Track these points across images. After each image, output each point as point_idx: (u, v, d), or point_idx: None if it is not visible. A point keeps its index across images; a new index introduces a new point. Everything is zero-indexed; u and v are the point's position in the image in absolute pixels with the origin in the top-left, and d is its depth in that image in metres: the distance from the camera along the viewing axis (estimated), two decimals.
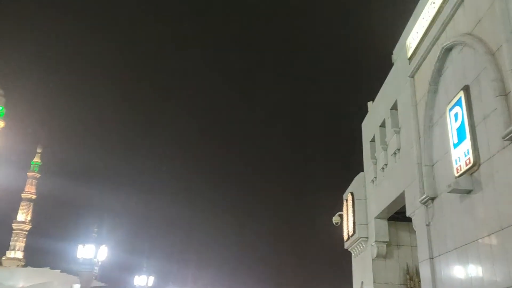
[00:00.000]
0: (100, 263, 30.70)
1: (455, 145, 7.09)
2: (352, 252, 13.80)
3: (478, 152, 6.49)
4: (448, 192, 7.09)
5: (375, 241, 11.76)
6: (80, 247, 30.33)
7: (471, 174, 6.68)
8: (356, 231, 12.62)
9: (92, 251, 30.09)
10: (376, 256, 11.76)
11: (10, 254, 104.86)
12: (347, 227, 13.45)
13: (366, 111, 13.18)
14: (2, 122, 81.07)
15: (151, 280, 39.41)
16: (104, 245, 31.01)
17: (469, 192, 6.75)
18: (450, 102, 7.38)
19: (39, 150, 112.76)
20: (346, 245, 13.90)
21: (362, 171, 13.25)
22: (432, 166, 8.20)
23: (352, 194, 13.17)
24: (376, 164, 11.94)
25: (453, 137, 7.18)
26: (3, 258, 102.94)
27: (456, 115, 7.13)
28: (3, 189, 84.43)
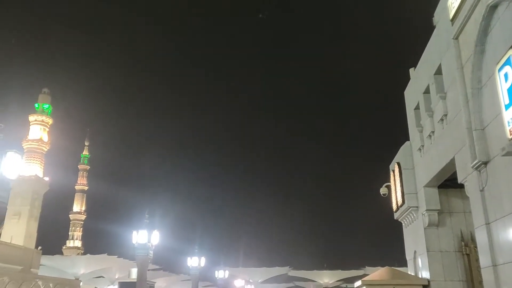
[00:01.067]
0: (154, 247, 32.02)
1: (507, 106, 6.83)
2: (402, 222, 13.68)
3: None
4: (502, 156, 6.88)
5: (426, 210, 11.59)
6: (134, 233, 31.67)
7: None
8: (406, 201, 12.48)
9: (146, 236, 31.38)
10: (428, 225, 11.61)
11: (70, 243, 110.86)
12: (396, 198, 13.31)
13: (409, 79, 12.85)
14: (50, 119, 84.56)
15: (203, 261, 40.75)
16: (156, 230, 32.24)
17: None
18: (499, 61, 7.07)
19: (86, 143, 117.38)
20: (396, 216, 13.78)
21: (408, 140, 13.00)
22: (483, 129, 7.95)
23: (398, 164, 12.98)
24: (422, 132, 11.68)
25: (504, 98, 6.91)
26: (64, 247, 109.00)
27: (506, 75, 6.84)
28: (58, 183, 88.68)
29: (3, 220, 74.34)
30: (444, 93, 9.84)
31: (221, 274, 57.82)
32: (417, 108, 12.04)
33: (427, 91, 11.01)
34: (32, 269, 65.33)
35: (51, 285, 63.24)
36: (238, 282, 79.05)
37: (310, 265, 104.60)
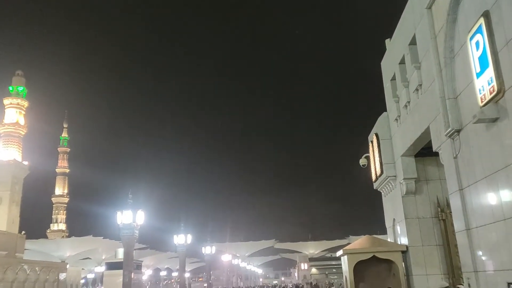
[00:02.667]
0: (139, 226, 32.07)
1: (478, 74, 6.96)
2: (382, 191, 13.98)
3: (502, 79, 6.37)
4: (474, 123, 7.05)
5: (404, 179, 11.86)
6: (118, 213, 31.63)
7: (496, 102, 6.60)
8: (384, 171, 12.73)
9: (130, 216, 31.37)
10: (406, 193, 11.90)
11: (54, 226, 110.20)
12: (375, 168, 13.56)
13: (385, 50, 12.92)
14: (26, 102, 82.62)
15: (189, 238, 41.04)
16: (140, 210, 32.25)
17: (495, 120, 6.69)
18: (470, 30, 7.17)
19: (65, 125, 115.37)
20: (375, 185, 14.07)
21: (385, 111, 13.17)
22: (456, 98, 8.10)
23: (376, 135, 13.17)
24: (398, 102, 11.83)
25: (475, 67, 7.04)
26: (48, 231, 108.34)
27: (477, 43, 6.95)
28: (38, 166, 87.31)
29: None
30: (418, 63, 9.95)
31: (208, 250, 58.42)
32: (393, 79, 12.16)
33: (402, 62, 11.10)
34: (16, 254, 64.93)
35: (37, 268, 63.12)
36: (226, 257, 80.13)
37: (296, 237, 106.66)
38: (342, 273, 13.75)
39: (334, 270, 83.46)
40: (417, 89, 10.19)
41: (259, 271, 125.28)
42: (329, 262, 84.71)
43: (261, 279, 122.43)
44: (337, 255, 13.64)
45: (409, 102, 10.96)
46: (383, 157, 12.77)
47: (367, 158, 14.34)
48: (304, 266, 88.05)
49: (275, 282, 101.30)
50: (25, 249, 68.48)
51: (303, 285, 49.47)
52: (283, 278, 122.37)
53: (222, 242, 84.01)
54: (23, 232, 71.03)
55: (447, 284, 10.61)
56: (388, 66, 12.66)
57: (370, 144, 13.86)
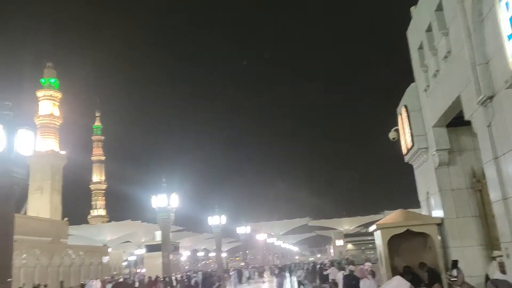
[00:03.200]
0: (174, 209, 32.73)
1: (510, 37, 6.62)
2: (413, 164, 13.69)
3: None
4: (506, 88, 6.75)
5: (436, 150, 11.55)
6: (153, 197, 32.37)
7: None
8: (415, 143, 12.42)
9: (165, 200, 32.05)
10: (439, 165, 11.60)
11: (94, 212, 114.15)
12: (405, 141, 13.26)
13: (410, 18, 12.45)
14: (58, 93, 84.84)
15: (223, 219, 41.65)
16: (174, 193, 32.87)
17: None
18: None
19: (97, 114, 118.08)
20: (406, 159, 13.78)
21: (413, 81, 12.78)
22: (487, 63, 7.75)
23: (405, 106, 12.83)
24: (427, 72, 11.44)
25: (506, 29, 6.69)
26: (89, 217, 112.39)
27: (507, 4, 6.58)
28: (74, 156, 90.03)
29: (26, 196, 76.53)
30: (446, 30, 9.55)
31: (242, 230, 59.22)
32: (420, 47, 11.74)
33: (429, 29, 10.69)
34: (61, 240, 67.76)
35: (81, 253, 65.78)
36: (260, 236, 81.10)
37: (330, 213, 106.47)
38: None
39: (370, 245, 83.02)
40: (446, 57, 9.81)
41: (295, 249, 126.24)
42: (364, 238, 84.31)
43: (297, 257, 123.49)
44: (370, 230, 13.53)
45: (438, 70, 10.58)
46: (413, 129, 12.45)
47: (397, 131, 14.01)
48: (339, 242, 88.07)
49: (311, 259, 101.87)
50: (68, 235, 71.35)
51: (340, 261, 49.54)
52: (319, 255, 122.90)
53: (256, 222, 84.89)
54: (66, 218, 73.91)
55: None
56: (415, 34, 12.23)
57: (399, 117, 13.53)
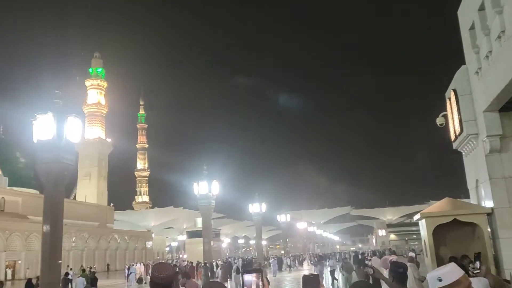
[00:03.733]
0: (215, 196, 33.14)
1: None
2: (462, 151, 13.09)
3: None
4: None
5: (487, 136, 10.96)
6: (194, 184, 32.89)
7: None
8: (464, 129, 11.84)
9: (206, 187, 32.48)
10: (490, 152, 11.01)
11: (138, 198, 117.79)
12: (454, 127, 12.67)
13: None
14: (105, 82, 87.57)
15: (264, 207, 41.85)
16: (215, 180, 33.25)
17: None
18: None
19: (141, 102, 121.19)
20: (455, 145, 13.19)
21: (464, 64, 12.15)
22: None
23: (454, 90, 12.23)
24: (478, 53, 10.82)
25: None
26: (133, 203, 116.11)
27: None
28: (119, 143, 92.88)
29: (75, 182, 79.94)
30: (500, 8, 8.96)
31: (283, 218, 59.33)
32: (472, 27, 11.11)
33: (482, 8, 10.07)
34: (107, 224, 70.48)
35: (126, 237, 68.09)
36: (301, 225, 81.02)
37: (372, 203, 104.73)
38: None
39: (414, 236, 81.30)
40: (499, 37, 9.23)
41: (336, 238, 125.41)
42: (408, 228, 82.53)
43: (337, 246, 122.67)
44: (414, 220, 13.11)
45: (490, 51, 9.98)
46: (462, 114, 11.86)
47: (445, 116, 13.41)
48: (382, 232, 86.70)
49: (352, 248, 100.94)
50: (114, 220, 74.06)
51: (383, 251, 48.68)
52: (360, 245, 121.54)
53: (296, 210, 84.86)
54: (112, 204, 76.78)
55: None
56: (466, 14, 11.58)
57: (448, 101, 12.93)
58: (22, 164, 61.97)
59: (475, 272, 8.15)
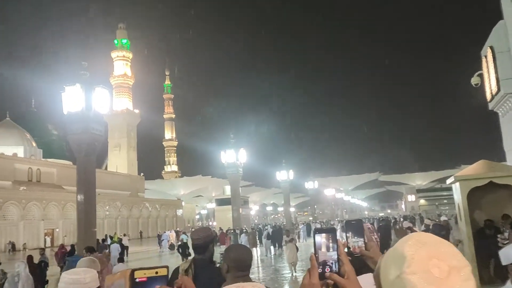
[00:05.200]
0: (242, 164, 33.30)
1: None
2: (499, 112, 12.56)
3: None
4: None
5: None
6: (222, 153, 33.08)
7: None
8: (501, 88, 11.32)
9: (233, 155, 32.62)
10: None
11: (167, 168, 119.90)
12: (490, 86, 12.13)
13: None
14: (130, 53, 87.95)
15: (291, 174, 41.83)
16: (242, 148, 33.33)
17: None
18: None
19: (167, 73, 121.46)
20: (491, 106, 12.66)
21: (502, 19, 11.48)
22: None
23: (491, 48, 11.63)
24: None
25: None
26: (163, 172, 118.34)
27: None
28: (147, 114, 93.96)
29: (106, 153, 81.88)
30: None
31: (310, 185, 59.34)
32: None
33: None
34: (139, 193, 72.31)
35: (157, 206, 69.87)
36: (329, 191, 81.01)
37: (401, 168, 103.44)
38: (453, 203, 12.91)
39: (445, 201, 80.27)
40: None
41: (364, 204, 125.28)
42: (438, 193, 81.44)
43: (366, 212, 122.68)
44: (448, 183, 12.78)
45: None
46: (500, 72, 11.31)
47: (480, 75, 12.83)
48: (411, 197, 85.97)
49: (381, 214, 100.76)
50: (145, 189, 75.91)
51: (413, 216, 48.28)
52: (389, 211, 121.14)
53: (324, 177, 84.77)
54: (142, 174, 78.48)
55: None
56: None
57: (484, 59, 12.34)
58: (55, 136, 63.68)
59: (504, 243, 7.86)
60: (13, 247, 40.98)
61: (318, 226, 34.37)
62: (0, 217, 42.92)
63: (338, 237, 1.18)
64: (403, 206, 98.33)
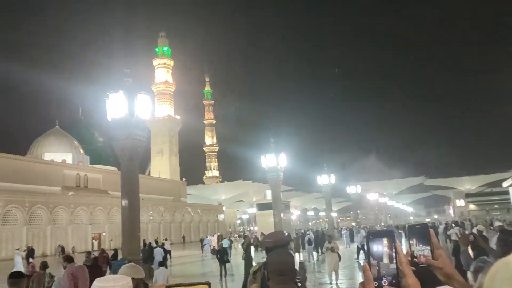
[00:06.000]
0: (283, 169, 32.99)
1: None
2: None
3: None
4: None
5: None
6: (262, 157, 32.90)
7: None
8: None
9: (274, 160, 32.38)
10: None
11: (209, 173, 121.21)
12: None
13: None
14: (171, 61, 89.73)
15: (332, 178, 41.08)
16: (283, 153, 33.02)
17: None
18: None
19: (207, 79, 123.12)
20: None
21: None
22: None
23: None
24: None
25: None
26: (204, 177, 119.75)
27: None
28: (187, 120, 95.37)
29: (149, 158, 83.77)
30: None
31: (352, 189, 58.16)
32: None
33: None
34: (181, 198, 73.36)
35: (199, 210, 70.57)
36: (372, 196, 79.15)
37: (448, 172, 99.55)
38: (506, 208, 12.08)
39: (496, 206, 76.64)
40: None
41: (409, 209, 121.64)
42: (489, 198, 77.81)
43: (411, 218, 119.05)
44: (504, 186, 11.99)
45: None
46: None
47: None
48: (460, 202, 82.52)
49: (427, 219, 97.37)
50: (187, 194, 76.93)
51: (462, 222, 46.24)
52: (436, 216, 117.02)
53: (366, 181, 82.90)
54: (184, 179, 79.62)
55: None
56: None
57: None
58: (101, 142, 65.75)
59: None
60: (62, 251, 42.48)
61: (363, 231, 33.58)
62: (51, 222, 44.56)
63: (398, 241, 0.93)
64: (451, 211, 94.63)
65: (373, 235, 0.94)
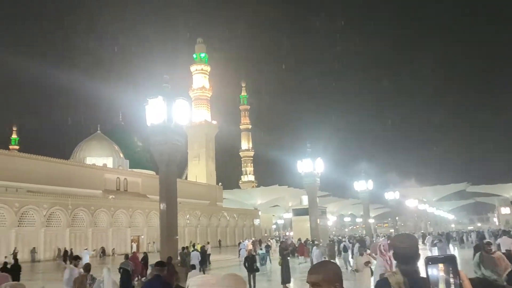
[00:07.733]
0: (319, 174, 32.66)
1: None
2: None
3: None
4: None
5: None
6: (298, 162, 32.70)
7: None
8: None
9: (310, 165, 32.11)
10: None
11: (244, 178, 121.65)
12: None
13: None
14: (208, 67, 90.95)
15: (370, 184, 40.27)
16: (319, 158, 32.71)
17: None
18: None
19: (243, 84, 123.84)
20: None
21: None
22: None
23: None
24: None
25: None
26: (240, 182, 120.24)
27: None
28: (224, 125, 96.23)
29: (186, 163, 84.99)
30: None
31: (391, 195, 56.83)
32: None
33: None
34: (217, 203, 73.93)
35: (235, 215, 70.87)
36: (411, 202, 77.12)
37: (492, 178, 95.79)
38: None
39: None
40: None
41: (451, 216, 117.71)
42: None
43: (453, 225, 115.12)
44: None
45: None
46: None
47: None
48: (505, 210, 79.18)
49: (470, 227, 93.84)
50: (223, 199, 77.48)
51: (508, 231, 44.21)
52: (479, 224, 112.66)
53: (405, 187, 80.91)
54: (220, 183, 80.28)
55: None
56: None
57: None
58: (140, 147, 67.33)
59: None
60: (103, 252, 43.68)
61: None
62: (92, 224, 45.89)
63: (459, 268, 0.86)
64: (495, 219, 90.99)
65: (433, 261, 0.88)
